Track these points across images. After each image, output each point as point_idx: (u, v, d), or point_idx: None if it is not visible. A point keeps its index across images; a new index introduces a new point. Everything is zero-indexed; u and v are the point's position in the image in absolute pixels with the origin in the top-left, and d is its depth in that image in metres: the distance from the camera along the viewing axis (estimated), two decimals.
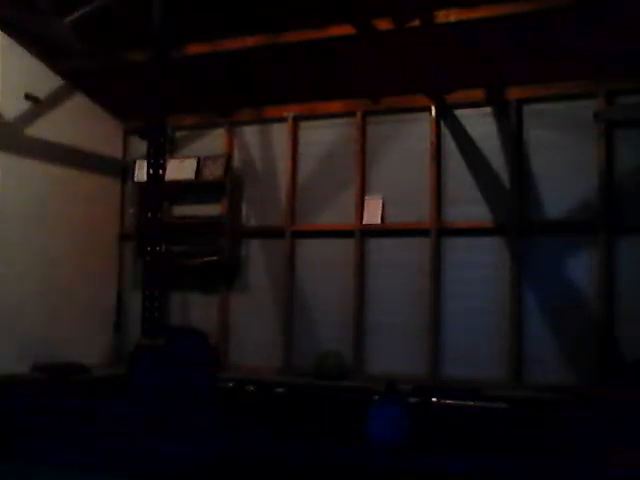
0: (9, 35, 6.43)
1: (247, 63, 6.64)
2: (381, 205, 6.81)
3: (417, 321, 6.55)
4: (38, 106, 6.74)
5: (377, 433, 4.35)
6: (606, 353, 5.88)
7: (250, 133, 7.47)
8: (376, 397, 4.87)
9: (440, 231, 6.55)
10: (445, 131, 6.65)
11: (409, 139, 6.78)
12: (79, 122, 7.24)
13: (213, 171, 7.30)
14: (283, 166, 7.24)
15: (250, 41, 6.33)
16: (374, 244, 6.84)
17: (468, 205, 6.49)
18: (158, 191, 6.30)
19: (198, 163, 7.37)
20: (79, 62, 6.78)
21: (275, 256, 7.20)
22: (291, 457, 4.07)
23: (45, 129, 6.82)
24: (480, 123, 6.52)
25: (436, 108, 6.63)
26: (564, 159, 6.20)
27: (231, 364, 7.18)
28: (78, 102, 7.25)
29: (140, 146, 7.31)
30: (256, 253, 7.32)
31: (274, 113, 7.29)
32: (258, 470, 3.84)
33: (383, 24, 5.81)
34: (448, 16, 5.66)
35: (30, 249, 6.61)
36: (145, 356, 5.85)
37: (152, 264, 6.29)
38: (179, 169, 7.36)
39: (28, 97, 6.65)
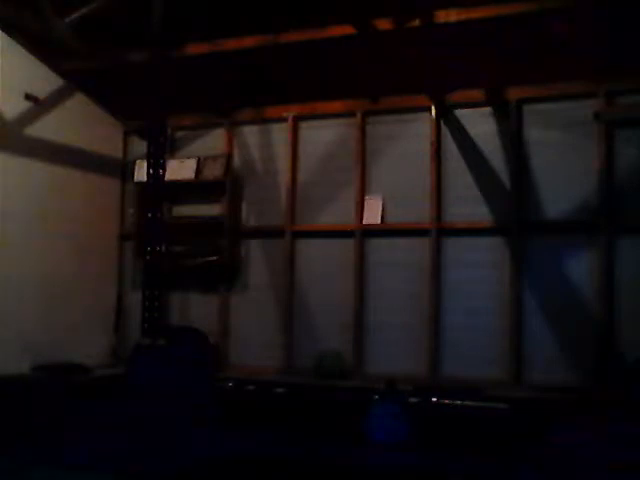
0: (9, 35, 6.43)
1: (247, 63, 6.64)
2: (381, 205, 6.81)
3: (417, 321, 6.55)
4: (38, 106, 6.74)
5: (377, 433, 4.35)
6: (606, 353, 5.88)
7: (250, 133, 7.46)
8: (376, 397, 4.87)
9: (440, 231, 6.55)
10: (445, 131, 6.64)
11: (409, 139, 6.78)
12: (79, 122, 7.23)
13: (213, 171, 7.30)
14: (283, 166, 7.23)
15: (250, 41, 6.33)
16: (374, 244, 6.84)
17: (468, 205, 6.48)
18: (158, 191, 6.31)
19: (198, 163, 7.37)
20: (79, 62, 6.78)
21: (275, 256, 7.19)
22: (291, 457, 4.07)
23: (45, 129, 6.81)
24: (480, 123, 6.52)
25: (436, 108, 6.63)
26: (564, 159, 6.19)
27: (231, 364, 7.18)
28: (78, 102, 7.24)
29: (140, 146, 7.31)
30: (256, 253, 7.32)
31: (274, 113, 7.28)
32: (258, 470, 3.84)
33: (383, 24, 5.81)
34: (448, 16, 5.66)
35: (30, 249, 6.60)
36: (145, 356, 5.86)
37: (152, 264, 6.31)
38: (179, 169, 7.35)
39: (28, 97, 6.64)
